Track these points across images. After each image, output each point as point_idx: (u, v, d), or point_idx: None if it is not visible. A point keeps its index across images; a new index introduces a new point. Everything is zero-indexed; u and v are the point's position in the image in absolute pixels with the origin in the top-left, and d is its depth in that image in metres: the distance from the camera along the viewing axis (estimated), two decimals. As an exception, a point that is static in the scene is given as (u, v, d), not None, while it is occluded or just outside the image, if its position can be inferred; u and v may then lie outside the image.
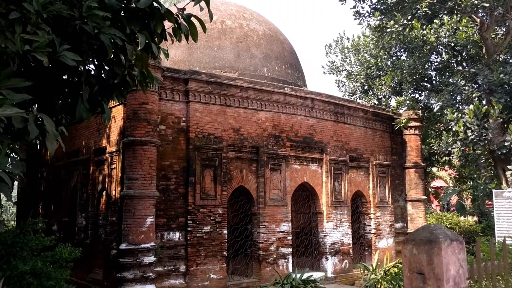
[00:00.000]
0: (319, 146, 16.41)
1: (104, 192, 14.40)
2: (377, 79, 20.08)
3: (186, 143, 13.58)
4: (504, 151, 15.51)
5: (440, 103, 16.26)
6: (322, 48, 43.59)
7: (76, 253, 8.65)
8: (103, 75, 6.23)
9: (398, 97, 17.71)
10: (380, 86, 20.04)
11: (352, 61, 22.47)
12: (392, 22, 15.75)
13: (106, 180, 14.12)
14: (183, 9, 6.19)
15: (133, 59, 5.76)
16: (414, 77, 18.49)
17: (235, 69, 16.49)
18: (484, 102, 16.76)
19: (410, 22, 16.75)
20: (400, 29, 16.44)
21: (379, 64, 20.23)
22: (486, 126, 15.62)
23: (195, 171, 13.53)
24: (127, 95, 8.28)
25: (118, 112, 13.74)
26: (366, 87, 21.75)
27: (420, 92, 19.36)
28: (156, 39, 6.49)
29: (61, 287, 6.96)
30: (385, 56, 20.30)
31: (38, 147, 19.03)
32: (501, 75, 15.12)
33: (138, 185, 12.13)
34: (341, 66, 22.90)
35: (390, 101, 19.58)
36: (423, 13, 16.81)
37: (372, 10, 16.73)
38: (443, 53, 17.72)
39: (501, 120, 15.60)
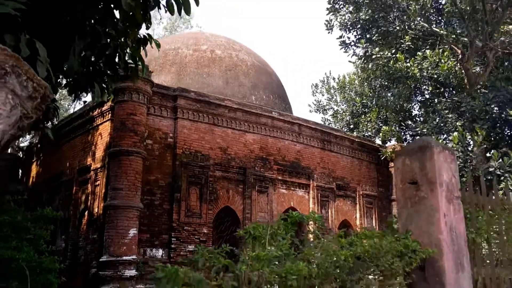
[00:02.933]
0: (306, 172, 16.35)
1: (86, 212, 14.02)
2: (363, 115, 20.49)
3: (173, 159, 13.45)
4: (489, 177, 15.58)
5: (425, 131, 16.51)
6: (309, 86, 44.59)
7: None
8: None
9: (384, 127, 17.96)
10: (366, 123, 20.38)
11: (338, 99, 22.99)
12: (377, 49, 16.31)
13: (89, 198, 13.79)
14: None
15: (127, 7, 5.80)
16: (399, 113, 18.94)
17: (224, 95, 16.69)
18: (467, 129, 17.06)
19: (394, 56, 17.37)
20: (385, 61, 17.02)
21: (364, 101, 20.73)
22: (470, 154, 15.81)
23: (181, 188, 13.30)
24: (117, 81, 8.31)
25: (105, 129, 13.69)
26: (352, 126, 22.14)
27: (405, 124, 19.69)
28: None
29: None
30: (370, 94, 20.86)
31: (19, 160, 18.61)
32: (483, 103, 15.52)
33: (122, 195, 11.87)
34: (328, 105, 23.37)
35: (376, 132, 19.85)
36: (406, 47, 17.49)
37: (357, 40, 17.36)
38: (427, 85, 18.22)
39: (485, 146, 15.81)
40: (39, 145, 18.22)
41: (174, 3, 6.35)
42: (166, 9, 6.46)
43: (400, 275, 3.48)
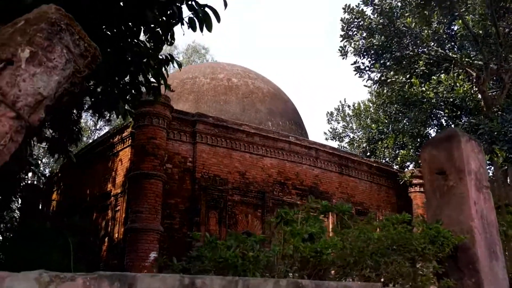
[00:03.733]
0: (325, 196, 16.21)
1: (106, 238, 14.04)
2: (379, 142, 20.47)
3: (192, 183, 13.52)
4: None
5: (444, 154, 16.40)
6: (324, 114, 44.83)
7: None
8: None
9: (401, 151, 17.89)
10: (383, 149, 20.33)
11: (354, 127, 23.04)
12: (392, 73, 16.45)
13: (109, 224, 13.86)
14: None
15: (151, 19, 6.01)
16: (416, 138, 18.90)
17: (241, 122, 16.89)
18: (486, 152, 16.91)
19: (409, 80, 17.49)
20: (400, 85, 17.14)
21: (380, 127, 20.75)
22: (491, 176, 15.62)
23: (200, 212, 13.31)
24: (140, 100, 8.51)
25: (125, 154, 13.90)
26: (368, 153, 22.10)
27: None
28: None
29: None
30: (386, 120, 20.89)
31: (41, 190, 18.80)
32: (502, 124, 15.44)
33: (142, 218, 11.91)
34: (343, 133, 23.43)
35: (393, 158, 19.75)
36: (421, 72, 17.61)
37: (372, 65, 17.56)
38: (443, 109, 18.23)
39: (506, 168, 15.61)
40: (59, 174, 18.49)
41: (196, 20, 6.57)
42: (188, 25, 6.68)
43: (433, 260, 3.45)
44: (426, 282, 3.25)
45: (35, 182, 20.56)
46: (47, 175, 19.97)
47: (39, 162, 21.19)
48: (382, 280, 3.07)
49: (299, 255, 2.78)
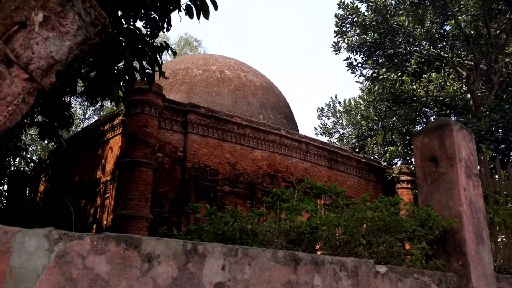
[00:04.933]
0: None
1: (94, 225, 14.02)
2: (369, 138, 20.67)
3: (182, 173, 13.56)
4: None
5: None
6: (315, 109, 45.06)
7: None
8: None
9: (390, 147, 18.10)
10: (372, 146, 20.52)
11: (344, 123, 23.22)
12: (384, 70, 16.61)
13: (98, 211, 13.84)
14: None
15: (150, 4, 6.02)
16: (405, 135, 19.11)
17: (233, 114, 16.93)
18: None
19: (400, 78, 17.68)
20: (391, 83, 17.31)
21: (370, 124, 20.94)
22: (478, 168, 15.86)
23: (190, 201, 13.33)
24: (134, 83, 8.50)
25: (115, 142, 13.87)
26: (357, 149, 22.29)
27: (411, 146, 19.81)
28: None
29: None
30: (376, 117, 21.09)
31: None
32: (489, 124, 15.68)
33: (132, 206, 11.92)
34: (333, 128, 23.60)
35: (382, 155, 19.96)
36: (412, 70, 17.80)
37: (364, 61, 17.71)
38: (433, 108, 18.46)
39: (492, 166, 15.88)
40: (48, 161, 18.38)
41: (193, 7, 6.60)
42: (185, 12, 6.70)
43: (423, 241, 3.56)
44: (416, 262, 3.36)
45: (21, 169, 20.43)
46: (35, 161, 19.82)
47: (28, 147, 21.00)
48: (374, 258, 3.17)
49: (295, 230, 2.86)
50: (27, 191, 19.47)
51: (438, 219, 3.73)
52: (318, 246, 3.09)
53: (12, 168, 17.40)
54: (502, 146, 16.57)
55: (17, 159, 17.42)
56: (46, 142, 11.62)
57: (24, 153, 14.55)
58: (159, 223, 12.90)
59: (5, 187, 18.23)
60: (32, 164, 18.31)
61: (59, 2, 2.03)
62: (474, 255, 3.75)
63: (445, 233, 3.83)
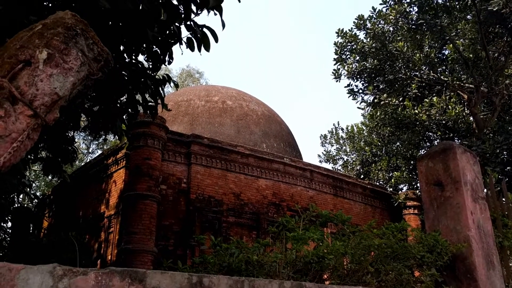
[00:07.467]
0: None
1: (98, 261, 13.89)
2: (373, 164, 20.62)
3: (187, 204, 13.50)
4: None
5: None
6: (318, 136, 45.09)
7: None
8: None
9: (395, 173, 18.02)
10: (377, 172, 20.46)
11: (348, 149, 23.22)
12: (385, 95, 16.70)
13: (102, 245, 13.73)
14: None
15: (152, 39, 6.14)
16: (409, 160, 19.08)
17: (236, 143, 16.98)
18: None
19: (402, 103, 17.77)
20: (393, 108, 17.39)
21: (374, 150, 20.93)
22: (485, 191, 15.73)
23: (195, 233, 13.22)
24: (136, 116, 8.57)
25: (119, 176, 13.88)
26: (362, 176, 22.22)
27: (415, 171, 19.74)
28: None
29: None
30: (379, 143, 21.10)
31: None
32: (494, 146, 15.64)
33: (137, 240, 11.82)
34: (337, 155, 23.57)
35: (387, 180, 19.86)
36: (413, 95, 17.90)
37: (365, 87, 17.83)
38: (436, 131, 18.46)
39: (499, 188, 15.75)
40: (51, 197, 18.36)
41: (194, 40, 6.71)
42: (187, 45, 6.81)
43: (432, 268, 3.50)
44: (426, 289, 3.29)
45: (25, 205, 20.38)
46: (39, 197, 19.80)
47: (32, 183, 21.01)
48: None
49: (301, 260, 2.82)
50: (31, 228, 19.37)
51: (446, 244, 3.68)
52: (325, 276, 3.05)
53: (16, 205, 17.36)
54: (507, 168, 16.48)
55: (21, 196, 17.38)
56: (50, 177, 11.60)
57: (28, 189, 14.56)
58: (164, 256, 12.76)
59: (9, 224, 18.14)
60: (35, 200, 18.27)
61: (62, 40, 2.08)
62: (485, 280, 3.68)
63: (455, 259, 3.77)
